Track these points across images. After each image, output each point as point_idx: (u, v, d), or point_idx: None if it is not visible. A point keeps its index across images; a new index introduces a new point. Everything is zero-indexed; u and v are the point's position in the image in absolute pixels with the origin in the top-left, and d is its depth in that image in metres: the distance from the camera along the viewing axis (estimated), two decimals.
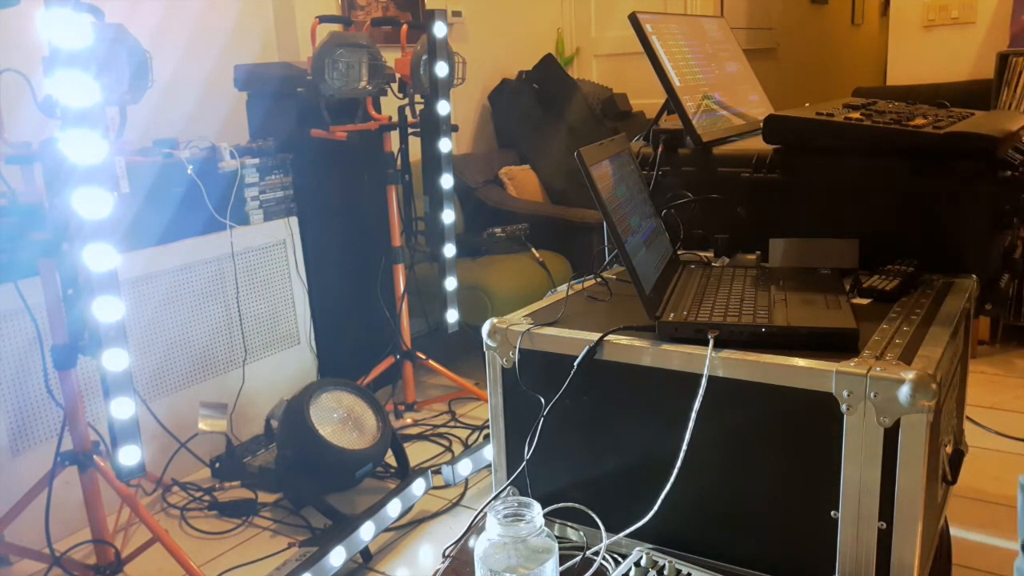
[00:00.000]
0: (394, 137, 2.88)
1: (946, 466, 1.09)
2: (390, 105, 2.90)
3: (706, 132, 1.54)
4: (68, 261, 1.81)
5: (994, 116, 1.48)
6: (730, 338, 1.02)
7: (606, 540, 1.08)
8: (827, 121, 1.39)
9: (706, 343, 1.01)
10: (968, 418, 1.45)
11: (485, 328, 1.18)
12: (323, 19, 2.76)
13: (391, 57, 2.79)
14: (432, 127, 2.76)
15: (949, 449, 1.12)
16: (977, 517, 2.00)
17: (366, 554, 2.09)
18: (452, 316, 2.96)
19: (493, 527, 0.93)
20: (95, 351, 1.80)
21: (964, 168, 1.27)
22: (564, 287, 1.32)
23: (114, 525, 2.21)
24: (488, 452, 2.16)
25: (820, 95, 1.92)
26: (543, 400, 1.13)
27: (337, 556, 1.94)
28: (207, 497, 2.44)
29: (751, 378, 0.98)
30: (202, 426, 2.40)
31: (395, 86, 2.80)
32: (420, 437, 2.81)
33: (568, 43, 4.63)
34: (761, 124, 1.43)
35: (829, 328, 1.01)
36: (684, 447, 1.00)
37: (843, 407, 0.93)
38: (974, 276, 1.31)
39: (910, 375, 0.89)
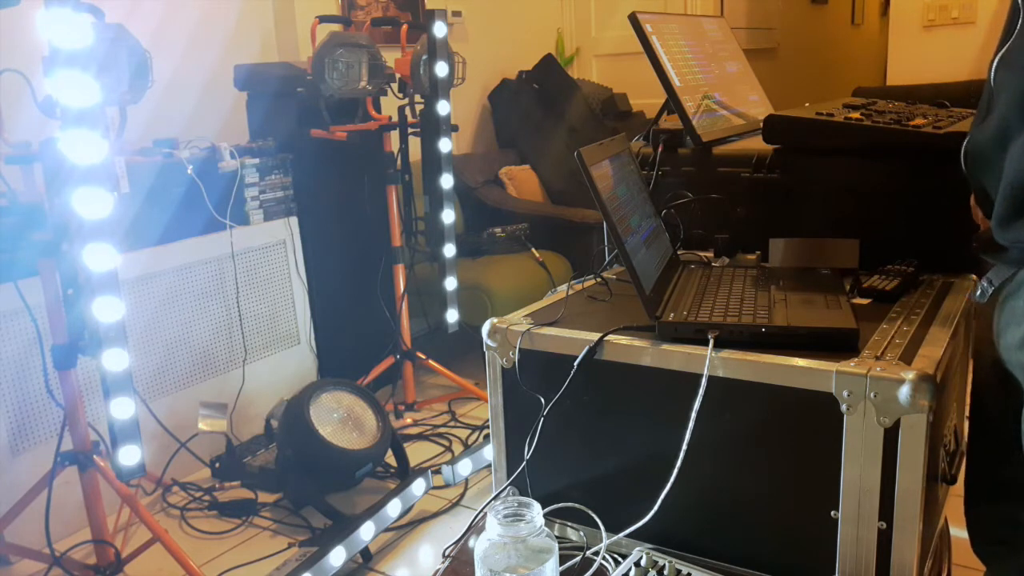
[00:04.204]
0: (394, 137, 2.88)
1: (946, 466, 1.09)
2: (390, 105, 2.90)
3: (706, 132, 1.54)
4: (68, 261, 1.81)
5: None
6: (730, 338, 1.02)
7: (606, 540, 1.08)
8: (827, 121, 1.38)
9: (706, 343, 1.01)
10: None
11: (485, 328, 1.18)
12: (323, 19, 2.77)
13: (391, 57, 2.79)
14: (432, 127, 2.76)
15: (949, 449, 1.12)
16: None
17: (366, 554, 2.09)
18: (452, 316, 2.96)
19: (493, 527, 0.93)
20: (95, 351, 1.80)
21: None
22: (564, 287, 1.32)
23: (114, 525, 2.21)
24: (488, 452, 2.16)
25: (820, 95, 1.92)
26: (543, 400, 1.13)
27: (337, 556, 1.94)
28: (207, 497, 2.44)
29: (751, 378, 0.98)
30: (202, 426, 2.40)
31: (395, 86, 2.80)
32: (420, 437, 2.81)
33: (568, 43, 4.63)
34: (761, 124, 1.43)
35: (829, 328, 1.01)
36: (684, 447, 1.00)
37: (843, 407, 0.93)
38: (974, 276, 1.31)
39: (910, 375, 0.89)
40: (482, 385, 2.69)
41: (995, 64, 1.04)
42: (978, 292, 1.09)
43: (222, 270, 2.66)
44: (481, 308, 3.10)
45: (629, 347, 1.06)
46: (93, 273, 1.74)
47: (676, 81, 1.55)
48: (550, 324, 1.16)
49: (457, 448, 2.72)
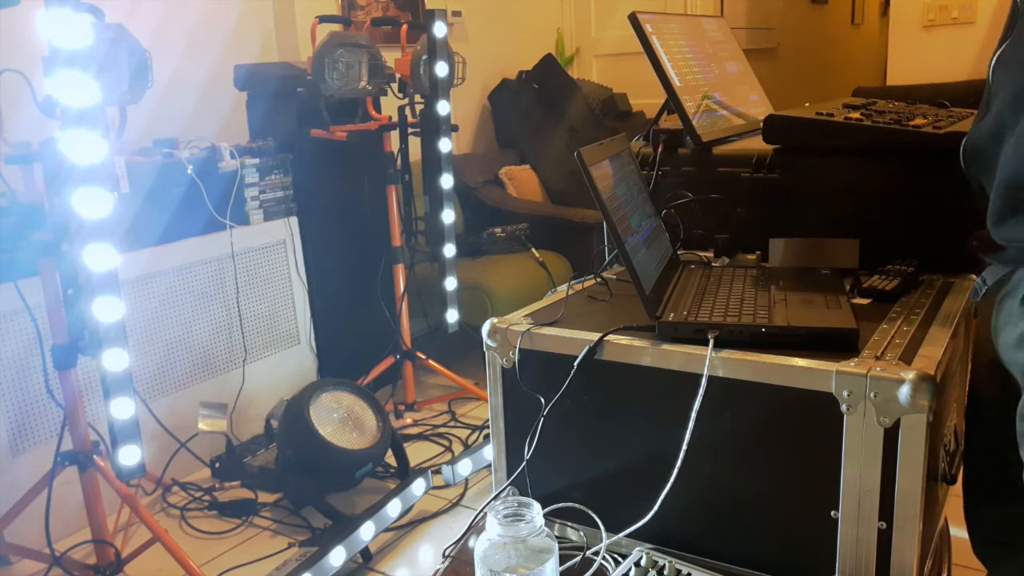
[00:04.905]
0: (394, 137, 2.88)
1: (946, 466, 1.09)
2: (390, 105, 2.90)
3: (706, 132, 1.54)
4: (68, 261, 1.81)
5: None
6: (730, 338, 1.02)
7: (606, 540, 1.08)
8: (827, 121, 1.38)
9: (706, 343, 1.01)
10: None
11: (485, 328, 1.18)
12: (323, 19, 2.77)
13: (391, 57, 2.79)
14: (432, 127, 2.76)
15: (949, 449, 1.12)
16: None
17: (366, 554, 2.09)
18: (452, 316, 2.96)
19: (493, 527, 0.93)
20: (95, 351, 1.80)
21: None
22: (564, 287, 1.32)
23: (114, 525, 2.21)
24: (488, 452, 2.16)
25: (820, 95, 1.92)
26: (543, 400, 1.13)
27: (337, 556, 1.94)
28: (207, 497, 2.44)
29: (751, 378, 0.98)
30: (202, 426, 2.40)
31: (395, 86, 2.80)
32: (420, 437, 2.81)
33: (568, 43, 4.63)
34: (761, 124, 1.43)
35: (829, 328, 1.01)
36: (684, 447, 1.00)
37: (843, 407, 0.93)
38: (974, 276, 1.31)
39: (910, 375, 0.89)
40: (482, 385, 2.69)
41: (993, 63, 1.04)
42: (974, 292, 1.09)
43: (222, 270, 2.66)
44: (481, 308, 3.10)
45: (629, 347, 1.06)
46: (93, 273, 1.74)
47: (676, 81, 1.55)
48: (550, 324, 1.16)
49: (457, 448, 2.72)
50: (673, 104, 1.54)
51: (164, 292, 2.50)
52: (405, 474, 2.44)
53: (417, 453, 2.67)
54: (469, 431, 2.83)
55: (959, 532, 1.30)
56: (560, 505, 1.13)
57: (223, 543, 2.24)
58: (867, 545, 0.95)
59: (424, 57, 2.71)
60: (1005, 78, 1.01)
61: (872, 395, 0.91)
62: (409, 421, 2.93)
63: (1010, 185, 0.95)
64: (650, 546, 1.07)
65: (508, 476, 1.20)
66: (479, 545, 0.94)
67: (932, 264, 1.32)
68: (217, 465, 2.51)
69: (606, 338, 1.08)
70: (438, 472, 2.39)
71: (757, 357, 0.98)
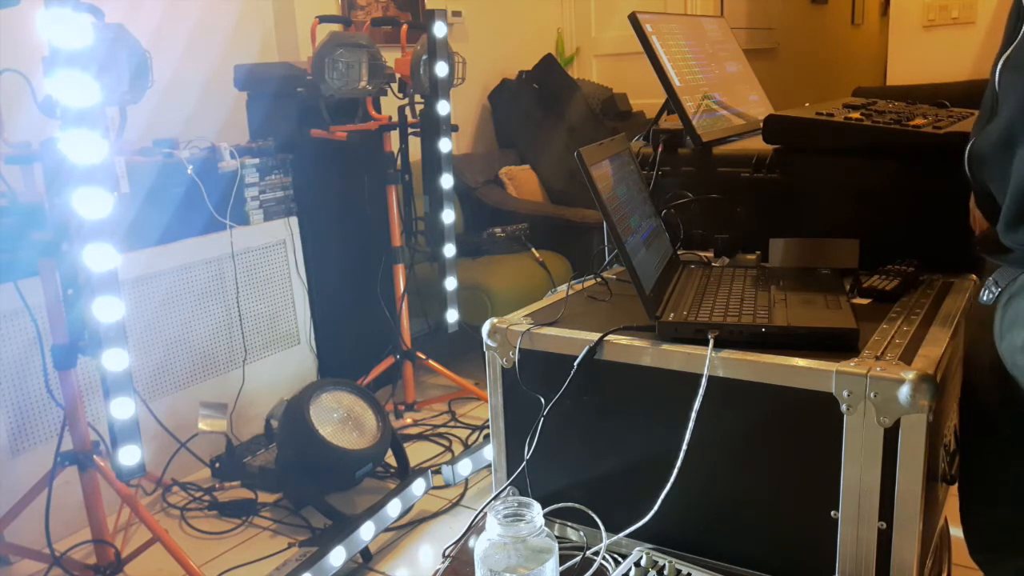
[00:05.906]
0: (394, 137, 2.88)
1: (946, 466, 1.09)
2: (390, 105, 2.90)
3: (706, 132, 1.54)
4: (68, 261, 1.81)
5: None
6: (730, 338, 1.02)
7: (606, 540, 1.08)
8: (827, 121, 1.38)
9: (706, 343, 1.01)
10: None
11: (485, 328, 1.18)
12: (323, 19, 2.77)
13: (391, 57, 2.79)
14: (432, 127, 2.76)
15: (949, 449, 1.12)
16: None
17: (366, 554, 2.09)
18: (452, 316, 2.96)
19: (493, 527, 0.93)
20: (95, 351, 1.80)
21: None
22: (564, 287, 1.32)
23: (114, 525, 2.21)
24: (488, 452, 2.16)
25: (820, 95, 1.92)
26: (543, 400, 1.13)
27: (337, 556, 1.94)
28: (207, 497, 2.44)
29: (751, 378, 0.98)
30: (202, 426, 2.40)
31: (395, 86, 2.81)
32: (420, 437, 2.81)
33: (568, 43, 4.63)
34: (761, 124, 1.43)
35: (829, 328, 1.01)
36: (684, 447, 1.00)
37: (843, 407, 0.92)
38: (974, 276, 1.31)
39: (910, 375, 0.89)
40: (482, 385, 2.69)
41: (999, 66, 1.03)
42: (985, 295, 1.08)
43: (222, 270, 2.66)
44: (481, 308, 3.10)
45: (629, 347, 1.06)
46: (93, 273, 1.74)
47: (676, 81, 1.55)
48: (550, 324, 1.16)
49: (457, 448, 2.72)
50: (673, 104, 1.54)
51: (164, 292, 2.50)
52: (405, 474, 2.44)
53: (417, 453, 2.67)
54: (469, 431, 2.83)
55: (959, 532, 1.30)
56: (560, 505, 1.13)
57: (223, 543, 2.24)
58: (867, 545, 0.95)
59: (424, 57, 2.71)
60: (1014, 81, 1.00)
61: (872, 395, 0.91)
62: (409, 421, 2.93)
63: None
64: (650, 546, 1.07)
65: (508, 476, 1.20)
66: (479, 545, 0.94)
67: (932, 264, 1.32)
68: (217, 465, 2.51)
69: (606, 338, 1.08)
70: (438, 472, 2.39)
71: (757, 357, 0.98)
